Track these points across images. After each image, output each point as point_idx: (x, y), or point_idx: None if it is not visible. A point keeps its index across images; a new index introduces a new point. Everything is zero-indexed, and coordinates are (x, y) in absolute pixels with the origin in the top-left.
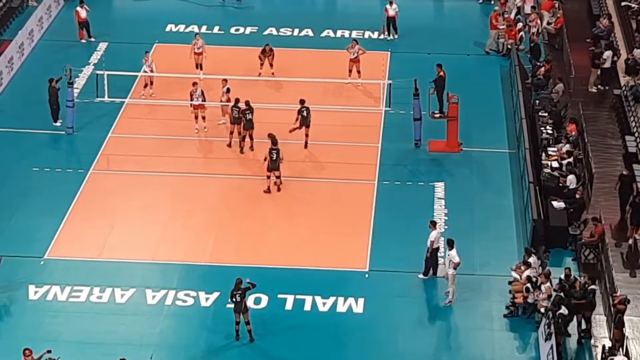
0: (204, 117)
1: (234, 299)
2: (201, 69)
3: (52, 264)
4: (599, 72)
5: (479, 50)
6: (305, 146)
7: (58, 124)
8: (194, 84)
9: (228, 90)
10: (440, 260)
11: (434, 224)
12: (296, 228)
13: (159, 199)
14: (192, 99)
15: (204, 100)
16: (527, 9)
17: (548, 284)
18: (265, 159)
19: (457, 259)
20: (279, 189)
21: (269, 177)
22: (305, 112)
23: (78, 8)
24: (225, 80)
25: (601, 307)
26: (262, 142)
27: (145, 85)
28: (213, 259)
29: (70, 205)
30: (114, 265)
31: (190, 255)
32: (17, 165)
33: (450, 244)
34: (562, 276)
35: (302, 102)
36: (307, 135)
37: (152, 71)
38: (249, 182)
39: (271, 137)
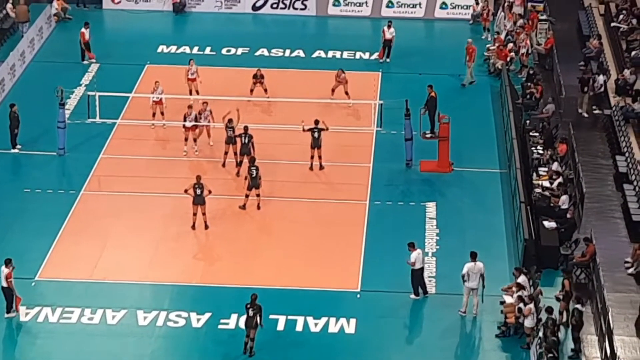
0: (195, 140)
1: (247, 313)
2: (197, 94)
3: (44, 285)
4: (590, 94)
5: None
6: (321, 167)
7: (16, 150)
8: (189, 106)
9: (195, 117)
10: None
11: (412, 245)
12: (288, 248)
13: (150, 220)
14: (185, 121)
15: (199, 121)
16: (509, 25)
17: (531, 305)
18: (245, 178)
19: (464, 270)
20: (258, 207)
21: (247, 196)
22: (316, 133)
23: (83, 29)
24: (190, 106)
25: (592, 327)
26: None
27: (154, 115)
28: (204, 279)
29: (61, 226)
30: (105, 286)
31: (181, 276)
32: (8, 187)
33: (473, 256)
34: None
35: (316, 122)
36: (320, 157)
37: (161, 100)
38: (241, 203)
39: (249, 157)
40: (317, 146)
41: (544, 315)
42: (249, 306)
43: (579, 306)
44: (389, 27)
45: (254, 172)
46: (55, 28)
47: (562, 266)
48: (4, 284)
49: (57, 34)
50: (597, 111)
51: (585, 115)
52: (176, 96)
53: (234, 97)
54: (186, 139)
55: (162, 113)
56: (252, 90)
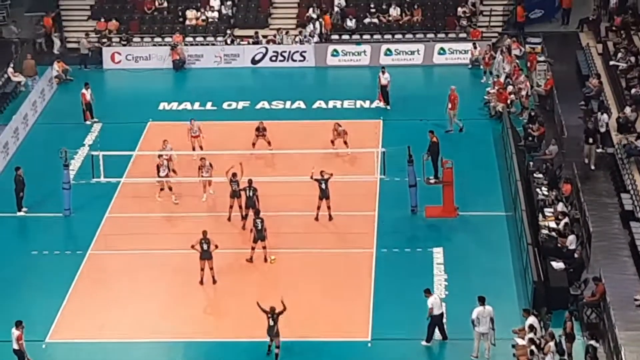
0: (170, 188)
1: (268, 323)
2: (201, 149)
3: (54, 347)
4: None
5: (470, 115)
6: (330, 218)
7: (22, 213)
8: (159, 156)
9: (168, 166)
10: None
11: (428, 291)
12: (296, 300)
13: (158, 277)
14: (159, 172)
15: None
16: (508, 68)
17: (551, 343)
18: (251, 231)
19: (473, 315)
20: (265, 260)
21: (253, 249)
22: (323, 184)
23: (84, 90)
24: (161, 156)
25: None
26: (266, 215)
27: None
28: (215, 334)
29: (69, 287)
30: (116, 345)
31: (192, 332)
32: (15, 250)
33: (481, 300)
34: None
35: (322, 173)
36: (329, 207)
37: (170, 157)
38: (248, 256)
39: (255, 209)
40: (325, 197)
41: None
42: (268, 316)
43: (593, 342)
44: (383, 72)
45: (259, 225)
46: (57, 90)
47: (572, 306)
48: (15, 347)
49: (59, 96)
50: (600, 150)
51: (593, 168)
52: (180, 152)
53: (237, 150)
54: (162, 189)
55: (174, 171)
56: (254, 144)
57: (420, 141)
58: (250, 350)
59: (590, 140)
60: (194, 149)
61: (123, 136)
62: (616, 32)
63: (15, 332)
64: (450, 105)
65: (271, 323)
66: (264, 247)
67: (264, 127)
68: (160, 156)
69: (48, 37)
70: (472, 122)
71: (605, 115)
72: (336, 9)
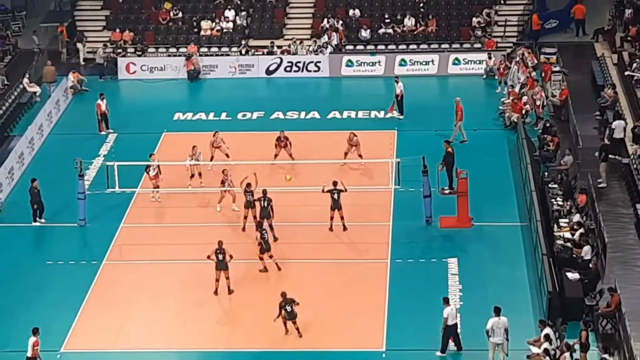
0: (157, 187)
1: (286, 310)
2: (228, 157)
3: (69, 357)
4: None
5: (485, 125)
6: (344, 229)
7: (37, 223)
8: (151, 155)
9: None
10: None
11: (446, 301)
12: (310, 310)
13: (173, 287)
14: (147, 171)
15: (159, 172)
16: (522, 78)
17: (567, 353)
18: (259, 244)
19: (488, 325)
20: (279, 269)
21: (262, 259)
22: (336, 194)
23: (99, 101)
24: (152, 155)
25: None
26: (281, 225)
27: (192, 176)
28: (229, 344)
29: (84, 297)
30: (131, 355)
31: (207, 342)
32: (30, 260)
33: (497, 311)
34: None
35: (334, 184)
36: (342, 218)
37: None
38: (261, 266)
39: (257, 222)
40: (337, 207)
41: None
42: (284, 304)
43: (606, 356)
44: (396, 82)
45: (266, 236)
46: (72, 100)
47: (587, 317)
48: (29, 354)
49: (74, 106)
50: (612, 156)
51: (605, 185)
52: (209, 162)
53: (252, 161)
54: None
55: (199, 174)
56: (276, 155)
57: (435, 151)
58: None
59: (603, 154)
60: (212, 159)
61: (138, 146)
62: (631, 42)
63: (32, 339)
64: (456, 117)
65: (289, 309)
66: (271, 257)
67: (286, 136)
68: (151, 155)
69: (70, 46)
70: (487, 133)
71: (621, 121)
72: (339, 21)
